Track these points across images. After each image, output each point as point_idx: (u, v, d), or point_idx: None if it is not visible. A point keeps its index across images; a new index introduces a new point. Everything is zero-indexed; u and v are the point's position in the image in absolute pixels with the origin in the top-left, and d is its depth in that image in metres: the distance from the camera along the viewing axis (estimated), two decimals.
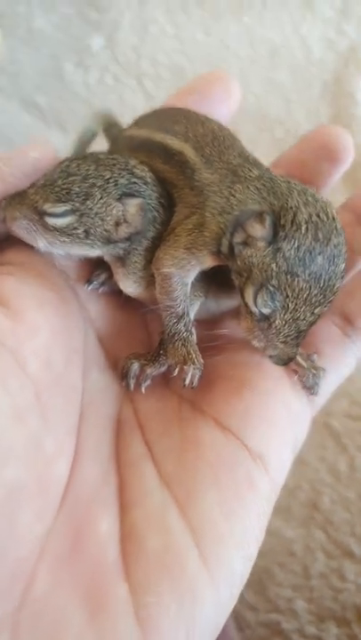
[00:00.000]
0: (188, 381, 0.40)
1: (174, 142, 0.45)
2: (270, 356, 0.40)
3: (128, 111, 0.56)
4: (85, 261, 0.46)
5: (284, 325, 0.39)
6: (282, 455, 0.40)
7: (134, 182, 0.42)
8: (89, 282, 0.45)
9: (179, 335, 0.42)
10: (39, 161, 0.43)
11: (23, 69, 0.88)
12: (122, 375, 0.43)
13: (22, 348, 0.36)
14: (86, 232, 0.42)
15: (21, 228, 0.42)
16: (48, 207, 0.41)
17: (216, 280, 0.45)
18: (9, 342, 0.36)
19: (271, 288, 0.38)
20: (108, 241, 0.42)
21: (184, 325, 0.42)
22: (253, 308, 0.39)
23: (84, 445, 0.39)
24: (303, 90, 0.97)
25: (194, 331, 0.42)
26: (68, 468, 0.37)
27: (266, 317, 0.39)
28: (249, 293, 0.39)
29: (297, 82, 0.96)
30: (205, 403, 0.41)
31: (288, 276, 0.37)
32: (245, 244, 0.39)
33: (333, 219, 0.39)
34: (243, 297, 0.39)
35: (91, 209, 0.41)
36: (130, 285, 0.44)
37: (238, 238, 0.39)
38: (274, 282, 0.38)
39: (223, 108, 0.52)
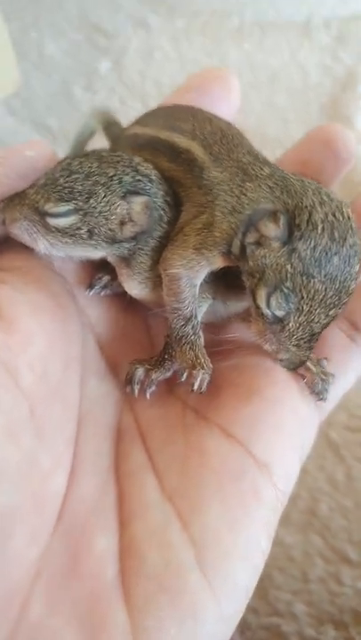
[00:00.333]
0: (196, 386, 0.38)
1: (181, 140, 0.43)
2: (281, 360, 0.39)
3: None
4: (85, 264, 0.45)
5: (298, 328, 0.37)
6: (289, 463, 0.38)
7: (139, 180, 0.41)
8: (90, 286, 0.44)
9: (186, 338, 0.40)
10: (36, 160, 0.41)
11: (35, 93, 0.92)
12: (126, 381, 0.41)
13: (16, 361, 0.35)
14: (90, 232, 0.40)
15: (21, 229, 0.40)
16: (50, 207, 0.39)
17: (224, 281, 0.43)
18: (2, 355, 0.34)
19: (286, 290, 0.36)
20: (113, 241, 0.41)
21: (192, 328, 0.40)
22: (266, 311, 0.37)
23: (82, 457, 0.37)
24: (301, 112, 1.01)
25: (201, 334, 0.41)
26: (65, 482, 0.36)
27: (279, 320, 0.37)
28: (261, 295, 0.37)
29: (295, 105, 0.99)
30: (211, 410, 0.39)
31: (303, 278, 0.36)
32: (258, 244, 0.38)
33: (349, 218, 0.37)
34: (255, 299, 0.38)
35: (94, 208, 0.40)
36: (135, 287, 0.43)
37: (251, 238, 0.38)
38: (288, 283, 0.36)
39: (223, 106, 0.50)
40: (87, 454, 0.37)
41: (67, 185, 0.39)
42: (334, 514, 0.70)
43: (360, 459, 0.73)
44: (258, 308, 0.38)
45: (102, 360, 0.43)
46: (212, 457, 0.37)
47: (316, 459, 0.73)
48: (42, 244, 0.40)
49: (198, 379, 0.38)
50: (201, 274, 0.41)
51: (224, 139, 0.43)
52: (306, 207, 0.37)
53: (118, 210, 0.40)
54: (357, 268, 0.37)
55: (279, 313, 0.37)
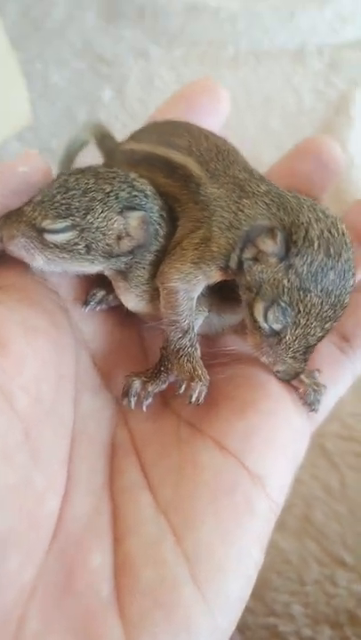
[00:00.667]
0: (194, 398, 0.39)
1: (177, 156, 0.44)
2: (278, 371, 0.40)
3: None
4: (80, 279, 0.45)
5: (295, 341, 0.38)
6: (282, 474, 0.38)
7: (135, 195, 0.41)
8: (85, 303, 0.44)
9: (184, 350, 0.40)
10: (29, 175, 0.41)
11: (40, 120, 0.96)
12: (123, 393, 0.41)
13: (11, 384, 0.34)
14: (87, 247, 0.40)
15: (19, 246, 0.40)
16: (47, 224, 0.40)
17: (219, 294, 0.44)
18: None
19: (283, 304, 0.37)
20: (110, 255, 0.41)
21: (189, 340, 0.40)
22: (263, 324, 0.38)
23: (76, 476, 0.37)
24: (296, 136, 1.04)
25: (198, 346, 0.41)
26: (59, 502, 0.36)
27: (276, 333, 0.38)
28: (259, 309, 0.38)
29: (289, 129, 1.03)
30: (205, 423, 0.39)
31: (300, 292, 0.37)
32: (255, 259, 0.39)
33: (343, 234, 0.38)
34: (252, 313, 0.39)
35: (92, 223, 0.40)
36: (132, 299, 0.43)
37: (249, 254, 0.39)
38: (285, 298, 0.37)
39: (212, 117, 0.50)
40: (81, 473, 0.37)
41: (64, 201, 0.40)
42: (329, 520, 0.72)
43: (353, 466, 0.75)
44: (255, 321, 0.38)
45: (96, 375, 0.43)
46: (206, 470, 0.37)
47: (311, 467, 0.76)
48: (39, 260, 0.41)
49: (197, 391, 0.39)
50: (198, 287, 0.41)
51: (220, 155, 0.43)
52: (302, 224, 0.38)
53: (115, 225, 0.40)
54: (352, 282, 0.38)
55: (276, 326, 0.38)
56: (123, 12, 1.06)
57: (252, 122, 1.01)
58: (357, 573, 0.70)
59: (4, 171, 0.41)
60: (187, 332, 0.40)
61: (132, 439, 0.40)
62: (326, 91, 1.04)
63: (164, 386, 0.41)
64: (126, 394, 0.41)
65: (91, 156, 0.56)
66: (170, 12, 1.05)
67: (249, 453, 0.37)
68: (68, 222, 0.40)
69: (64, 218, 0.40)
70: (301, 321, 0.37)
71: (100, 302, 0.44)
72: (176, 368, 0.40)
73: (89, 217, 0.40)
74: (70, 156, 0.59)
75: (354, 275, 0.39)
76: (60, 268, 0.42)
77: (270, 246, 0.38)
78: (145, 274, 0.42)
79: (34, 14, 1.06)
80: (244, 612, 0.36)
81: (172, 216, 0.43)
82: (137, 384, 0.41)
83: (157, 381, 0.41)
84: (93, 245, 0.40)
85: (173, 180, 0.43)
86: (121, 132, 0.55)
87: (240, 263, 0.39)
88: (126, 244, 0.41)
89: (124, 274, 0.43)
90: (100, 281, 0.44)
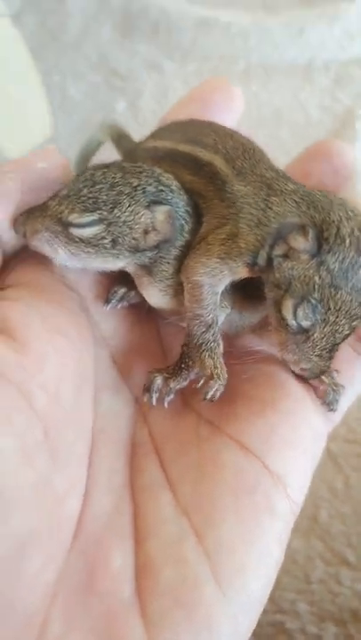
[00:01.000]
0: (209, 395, 0.39)
1: (203, 153, 0.44)
2: (302, 369, 0.39)
3: None
4: (99, 277, 0.44)
5: (322, 339, 0.38)
6: (302, 474, 0.39)
7: (162, 190, 0.41)
8: (107, 301, 0.44)
9: (206, 345, 0.40)
10: (48, 171, 0.41)
11: (57, 131, 0.99)
12: (144, 389, 0.41)
13: (30, 383, 0.34)
14: (114, 241, 0.40)
15: (42, 241, 0.40)
16: (74, 217, 0.39)
17: (241, 293, 0.44)
18: (15, 377, 0.33)
19: (313, 301, 0.37)
20: (136, 250, 0.41)
21: (212, 335, 0.40)
22: (292, 321, 0.38)
23: (97, 476, 0.37)
24: (303, 147, 1.08)
25: (221, 341, 0.41)
26: (80, 503, 0.36)
27: (304, 330, 0.38)
28: (288, 306, 0.38)
29: (298, 141, 1.06)
30: (225, 422, 0.39)
31: (331, 289, 0.37)
32: (286, 256, 0.39)
33: None
34: (280, 310, 0.38)
35: (119, 217, 0.39)
36: (155, 294, 0.43)
37: (279, 251, 0.39)
38: (316, 294, 0.37)
39: (227, 115, 0.50)
40: (101, 472, 0.37)
41: (91, 195, 0.39)
42: (334, 520, 0.74)
43: (357, 468, 0.77)
44: (283, 319, 0.38)
45: (115, 373, 0.43)
46: (227, 469, 0.37)
47: (317, 468, 0.78)
48: (63, 255, 0.40)
49: (213, 389, 0.39)
50: (223, 282, 0.41)
51: (246, 153, 0.44)
52: (333, 222, 0.38)
53: (142, 219, 0.40)
54: None
55: (305, 323, 0.38)
56: (137, 26, 1.09)
57: (263, 134, 1.04)
58: None
59: (24, 167, 0.41)
60: (210, 326, 0.40)
61: (152, 438, 0.40)
62: (333, 105, 1.06)
63: (185, 383, 0.41)
64: (148, 390, 0.41)
65: (106, 158, 0.55)
66: (183, 27, 1.08)
67: (269, 453, 0.37)
68: (95, 216, 0.39)
69: (91, 212, 0.39)
70: (331, 318, 0.37)
71: (121, 299, 0.44)
72: (197, 363, 0.40)
73: (116, 211, 0.39)
74: (86, 156, 0.60)
75: None
76: (82, 264, 0.41)
77: (302, 243, 0.38)
78: (169, 269, 0.42)
79: (51, 25, 1.09)
80: None
81: (196, 212, 0.43)
82: (159, 380, 0.41)
83: (179, 378, 0.41)
84: (120, 240, 0.40)
85: (199, 177, 0.43)
86: None
87: (269, 260, 0.39)
88: (153, 239, 0.41)
89: (148, 269, 0.42)
90: (119, 279, 0.44)
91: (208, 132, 0.46)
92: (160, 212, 0.40)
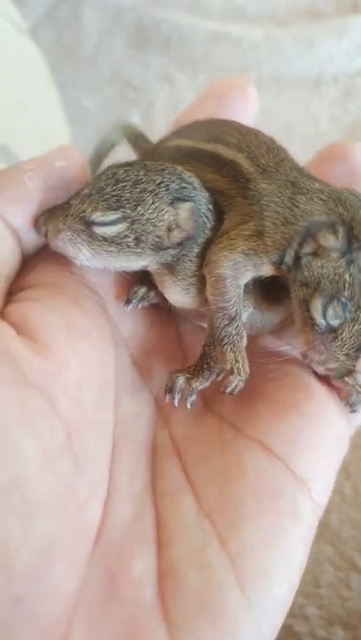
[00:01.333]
0: (229, 390, 0.38)
1: (227, 152, 0.44)
2: (329, 369, 0.39)
3: None
4: (119, 278, 0.44)
5: (351, 338, 0.38)
6: (326, 477, 0.38)
7: (184, 187, 0.41)
8: (127, 301, 0.43)
9: (229, 339, 0.39)
10: (65, 170, 0.41)
11: (73, 143, 1.02)
12: (166, 390, 0.41)
13: (52, 386, 0.34)
14: (137, 239, 0.40)
15: (64, 240, 0.39)
16: (98, 216, 0.39)
17: (262, 293, 0.43)
18: (38, 380, 0.33)
19: (343, 299, 0.37)
20: (159, 248, 0.40)
21: (235, 328, 0.40)
22: (320, 320, 0.38)
23: (118, 480, 0.37)
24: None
25: (245, 334, 0.40)
26: (101, 507, 0.35)
27: (332, 330, 0.38)
28: (317, 305, 0.38)
29: (308, 151, 1.08)
30: (248, 425, 0.39)
31: None
32: (315, 254, 0.38)
33: None
34: (308, 309, 0.38)
35: (142, 215, 0.39)
36: (177, 293, 0.43)
37: (308, 249, 0.39)
38: (347, 293, 0.37)
39: (243, 114, 0.50)
40: (123, 476, 0.37)
41: (114, 193, 0.39)
42: (344, 524, 0.74)
43: None
44: (311, 318, 0.38)
45: (135, 375, 0.42)
46: (251, 472, 0.36)
47: None
48: (86, 254, 0.40)
49: (233, 384, 0.38)
50: (246, 277, 0.41)
51: (270, 152, 0.44)
52: None
53: (166, 216, 0.40)
54: None
55: (335, 322, 0.37)
56: (150, 40, 1.12)
57: None
58: None
59: (42, 166, 0.41)
60: (234, 319, 0.40)
61: (173, 441, 0.40)
62: (342, 117, 1.08)
63: (207, 383, 0.41)
64: (170, 390, 0.40)
65: (119, 160, 0.57)
66: (195, 41, 1.10)
67: (294, 456, 0.37)
68: (118, 214, 0.39)
69: (115, 210, 0.39)
70: (360, 316, 0.37)
71: (141, 300, 0.44)
72: (219, 357, 0.39)
73: (140, 208, 0.39)
74: (100, 156, 0.60)
75: None
76: (105, 264, 0.41)
77: (332, 241, 0.38)
78: (192, 266, 0.42)
79: (66, 42, 1.12)
80: None
81: (217, 210, 0.43)
82: (181, 380, 0.40)
83: (201, 378, 0.40)
84: (143, 237, 0.40)
85: (221, 175, 0.43)
86: None
87: (297, 258, 0.39)
88: (176, 236, 0.41)
89: (170, 267, 0.42)
90: (139, 279, 0.44)
91: (231, 131, 0.46)
92: (183, 210, 0.40)
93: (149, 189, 0.40)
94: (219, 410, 0.41)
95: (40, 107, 0.79)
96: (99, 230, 0.39)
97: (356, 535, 0.75)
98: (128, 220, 0.39)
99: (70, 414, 0.34)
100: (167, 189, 0.40)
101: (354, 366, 0.39)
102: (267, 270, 0.41)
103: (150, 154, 0.52)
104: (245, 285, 0.41)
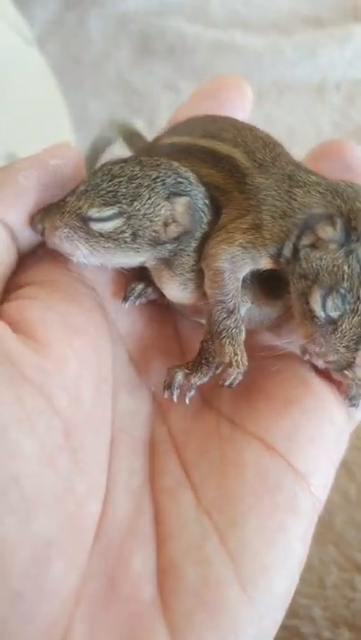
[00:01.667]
0: (227, 383, 0.39)
1: (222, 147, 0.44)
2: (328, 362, 0.39)
3: None
4: (116, 275, 0.44)
5: (350, 329, 0.37)
6: (326, 473, 0.38)
7: (180, 182, 0.41)
8: (125, 298, 0.43)
9: (227, 332, 0.39)
10: (61, 168, 0.41)
11: (78, 147, 1.03)
12: (165, 386, 0.41)
13: (50, 384, 0.34)
14: (134, 235, 0.40)
15: (62, 237, 0.39)
16: (94, 212, 0.39)
17: (260, 288, 0.43)
18: (36, 378, 0.33)
19: (342, 290, 0.37)
20: (156, 243, 0.41)
21: (234, 321, 0.39)
22: (320, 312, 0.38)
23: (116, 478, 0.37)
24: None
25: (243, 328, 0.40)
26: (100, 505, 0.35)
27: (332, 321, 0.38)
28: (316, 297, 0.38)
29: None
30: (247, 420, 0.39)
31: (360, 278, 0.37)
32: (313, 246, 0.38)
33: None
34: (307, 301, 0.38)
35: (139, 210, 0.39)
36: (175, 288, 0.43)
37: (307, 241, 0.39)
38: (346, 284, 0.37)
39: (239, 112, 0.50)
40: (121, 472, 0.37)
41: (110, 189, 0.39)
42: (348, 526, 0.75)
43: None
44: (310, 310, 0.38)
45: (133, 371, 0.42)
46: (250, 468, 0.36)
47: None
48: (83, 251, 0.40)
49: (232, 377, 0.38)
50: (244, 270, 0.41)
51: (266, 147, 0.44)
52: (360, 211, 0.38)
53: (162, 211, 0.40)
54: None
55: (334, 314, 0.37)
56: (155, 48, 1.13)
57: None
58: None
59: (37, 164, 0.41)
60: (232, 312, 0.40)
61: (172, 437, 0.40)
62: (344, 123, 1.10)
63: (205, 378, 0.41)
64: (169, 386, 0.40)
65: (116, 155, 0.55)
66: (198, 49, 1.12)
67: (293, 451, 0.37)
68: (115, 209, 0.39)
69: (111, 205, 0.39)
70: (360, 308, 0.37)
71: (139, 296, 0.44)
72: (217, 350, 0.39)
73: (136, 203, 0.39)
74: (96, 153, 0.59)
75: None
76: (102, 260, 0.41)
77: (330, 233, 0.38)
78: (189, 261, 0.42)
79: (72, 50, 1.14)
80: None
81: (214, 205, 0.43)
82: (180, 376, 0.40)
83: (200, 374, 0.40)
84: (140, 232, 0.40)
85: (218, 171, 0.43)
86: None
87: (295, 251, 0.39)
88: (173, 231, 0.41)
89: (167, 262, 0.42)
90: (137, 276, 0.44)
91: (227, 127, 0.46)
92: (179, 204, 0.40)
93: (145, 184, 0.40)
94: (217, 405, 0.41)
95: (46, 115, 0.80)
96: (95, 226, 0.39)
97: (360, 536, 0.75)
98: (125, 216, 0.40)
99: (68, 412, 0.34)
100: (163, 184, 0.40)
101: (354, 358, 0.39)
102: (265, 263, 0.41)
103: (146, 151, 0.52)
104: (243, 280, 0.41)
